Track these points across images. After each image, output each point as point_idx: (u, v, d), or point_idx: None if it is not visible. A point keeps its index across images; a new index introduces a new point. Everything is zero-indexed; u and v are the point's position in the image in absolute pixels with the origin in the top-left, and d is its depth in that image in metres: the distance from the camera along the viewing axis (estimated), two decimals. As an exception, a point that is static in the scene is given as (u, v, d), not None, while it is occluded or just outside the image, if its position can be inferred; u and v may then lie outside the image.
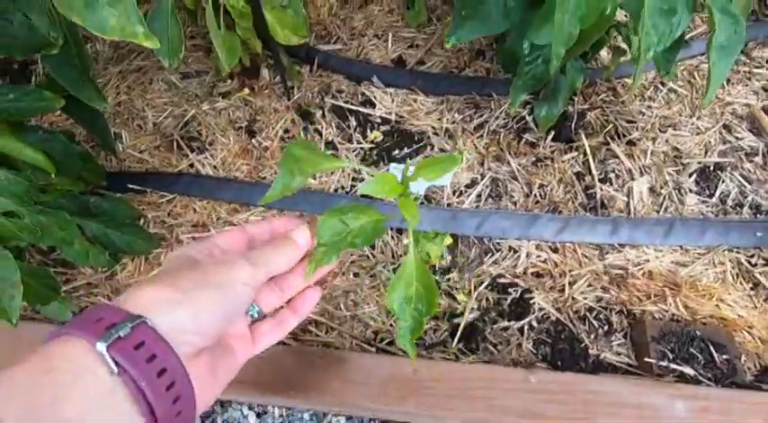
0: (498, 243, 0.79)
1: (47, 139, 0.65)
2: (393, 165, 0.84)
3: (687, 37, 0.98)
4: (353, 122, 0.92)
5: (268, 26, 0.80)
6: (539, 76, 0.70)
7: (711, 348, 0.65)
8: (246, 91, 0.95)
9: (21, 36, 0.56)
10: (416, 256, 0.44)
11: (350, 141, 0.90)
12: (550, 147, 0.86)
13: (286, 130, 0.91)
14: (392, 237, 0.79)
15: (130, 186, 0.82)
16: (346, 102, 0.94)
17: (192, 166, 0.87)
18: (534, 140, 0.86)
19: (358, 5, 1.06)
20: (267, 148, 0.88)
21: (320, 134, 0.90)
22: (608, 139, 0.85)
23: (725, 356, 0.64)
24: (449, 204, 0.82)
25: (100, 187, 0.80)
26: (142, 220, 0.81)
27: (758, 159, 0.83)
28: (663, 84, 0.92)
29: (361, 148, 0.89)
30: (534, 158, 0.85)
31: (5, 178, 0.55)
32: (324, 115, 0.92)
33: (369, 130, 0.91)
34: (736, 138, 0.85)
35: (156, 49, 0.54)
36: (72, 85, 0.64)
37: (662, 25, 0.52)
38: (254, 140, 0.89)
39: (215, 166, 0.87)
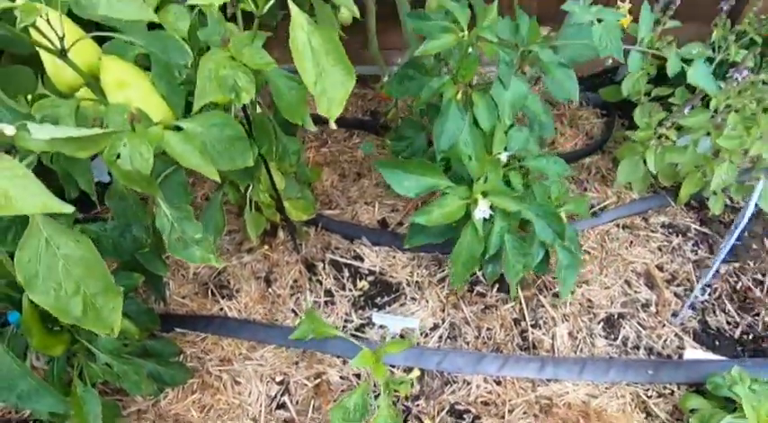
0: (455, 376, 1.02)
1: (128, 302, 0.93)
2: (374, 313, 1.10)
3: (598, 208, 1.31)
4: (347, 273, 1.20)
5: (285, 209, 1.12)
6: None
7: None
8: (266, 248, 1.25)
9: (126, 244, 0.86)
10: (388, 405, 0.69)
11: (343, 289, 1.17)
12: (495, 297, 1.13)
13: (295, 281, 1.19)
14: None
15: (176, 329, 1.08)
16: (342, 256, 1.23)
17: (221, 309, 1.14)
18: (483, 291, 1.14)
19: (353, 179, 1.40)
20: (280, 295, 1.16)
21: (321, 283, 1.18)
22: (537, 291, 1.12)
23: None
24: (418, 343, 1.07)
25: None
26: (181, 356, 1.05)
27: (651, 309, 1.10)
28: (580, 246, 1.21)
29: (353, 295, 1.16)
30: (483, 306, 1.11)
31: (106, 339, 0.81)
32: (324, 267, 1.21)
33: (358, 280, 1.19)
34: (635, 291, 1.13)
35: (203, 225, 0.85)
36: (149, 263, 0.93)
37: (522, 260, 0.79)
38: (270, 289, 1.17)
39: (239, 310, 1.13)
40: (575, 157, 1.44)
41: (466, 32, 0.79)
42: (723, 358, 1.01)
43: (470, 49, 0.80)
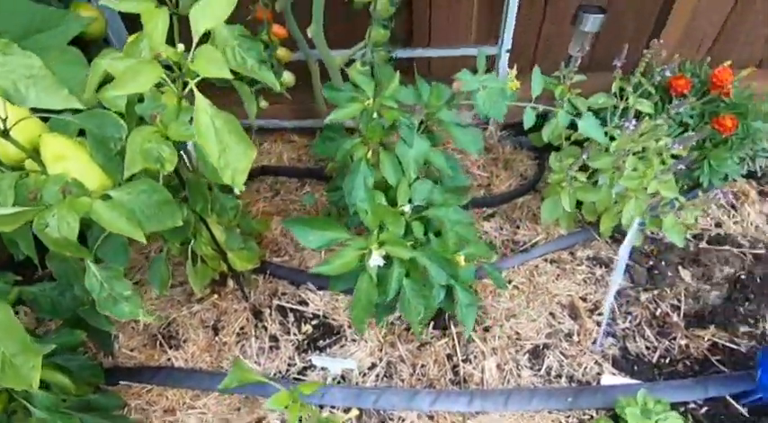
0: (391, 413, 1.07)
1: (70, 358, 0.97)
2: (314, 356, 1.15)
3: (529, 244, 1.40)
4: (292, 318, 1.26)
5: (229, 260, 1.19)
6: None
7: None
8: (216, 296, 1.31)
9: (66, 303, 0.91)
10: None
11: (288, 334, 1.23)
12: (430, 334, 1.19)
13: (242, 328, 1.24)
14: None
15: (122, 382, 1.12)
16: (288, 302, 1.29)
17: (169, 360, 1.18)
18: (420, 329, 1.20)
19: (301, 227, 1.49)
20: (226, 343, 1.21)
21: (266, 329, 1.24)
22: (469, 327, 1.19)
23: None
24: (356, 383, 1.12)
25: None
26: (126, 408, 1.09)
27: (574, 338, 1.18)
28: (510, 281, 1.30)
29: (297, 339, 1.22)
30: (419, 344, 1.18)
31: (42, 395, 0.86)
32: (271, 314, 1.27)
33: (303, 324, 1.25)
34: (559, 322, 1.21)
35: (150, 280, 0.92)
36: (92, 319, 0.99)
37: (422, 302, 0.87)
38: (217, 337, 1.22)
39: (186, 360, 1.18)
40: (509, 197, 1.56)
41: (371, 101, 0.91)
42: (638, 382, 1.08)
43: (375, 115, 0.91)
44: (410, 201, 0.89)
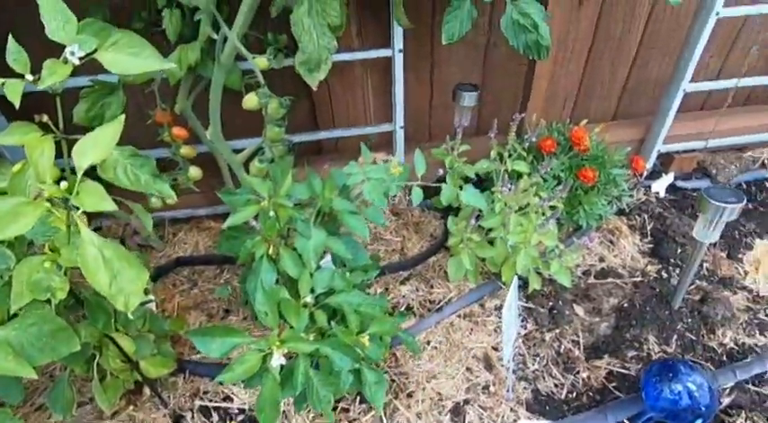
0: None
1: None
2: (241, 455, 1.13)
3: (443, 302, 1.50)
4: (216, 417, 1.23)
5: (141, 369, 1.15)
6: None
7: None
8: (131, 408, 1.25)
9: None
10: None
11: (213, 435, 1.19)
12: (358, 409, 1.22)
13: (162, 438, 1.18)
14: None
15: None
16: (211, 400, 1.26)
17: (80, 490, 1.09)
18: (346, 407, 1.22)
19: (221, 317, 1.48)
20: (145, 458, 1.14)
21: (190, 434, 1.19)
22: (392, 396, 1.24)
23: None
24: (288, 476, 1.10)
25: None
26: None
27: (491, 389, 1.26)
28: (428, 342, 1.37)
29: (222, 439, 1.18)
30: (347, 421, 1.19)
31: None
32: (193, 416, 1.23)
33: (228, 421, 1.22)
34: (476, 376, 1.29)
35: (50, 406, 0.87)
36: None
37: (330, 389, 0.91)
38: (134, 454, 1.15)
39: (100, 486, 1.09)
40: (421, 258, 1.67)
41: (267, 202, 0.98)
42: (549, 422, 1.17)
43: (271, 214, 0.98)
44: (313, 290, 0.94)
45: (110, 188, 0.76)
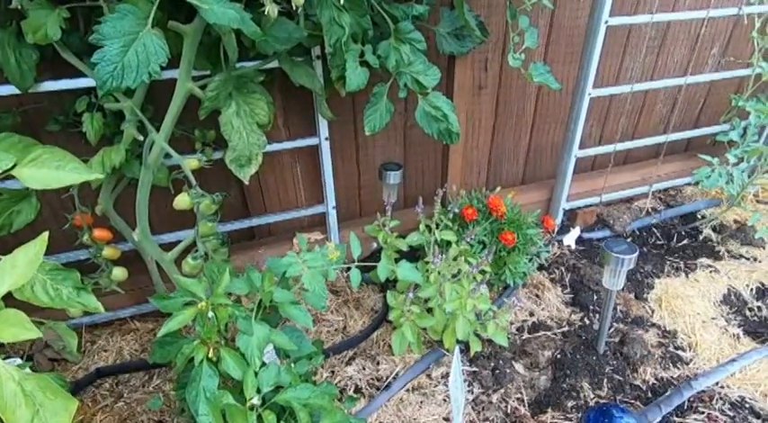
0: None
1: None
2: None
3: (391, 376, 1.50)
4: None
5: None
6: None
7: None
8: None
9: None
10: None
11: None
12: None
13: None
14: None
15: None
16: None
17: None
18: None
19: None
20: None
21: None
22: (351, 490, 1.18)
23: None
24: None
25: None
26: None
27: (448, 465, 1.25)
28: (381, 424, 1.35)
29: None
30: None
31: None
32: None
33: None
34: (432, 452, 1.28)
35: None
36: None
37: None
38: None
39: None
40: (365, 335, 1.67)
41: (204, 303, 0.96)
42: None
43: (210, 314, 0.95)
44: (259, 390, 0.91)
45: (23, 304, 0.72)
